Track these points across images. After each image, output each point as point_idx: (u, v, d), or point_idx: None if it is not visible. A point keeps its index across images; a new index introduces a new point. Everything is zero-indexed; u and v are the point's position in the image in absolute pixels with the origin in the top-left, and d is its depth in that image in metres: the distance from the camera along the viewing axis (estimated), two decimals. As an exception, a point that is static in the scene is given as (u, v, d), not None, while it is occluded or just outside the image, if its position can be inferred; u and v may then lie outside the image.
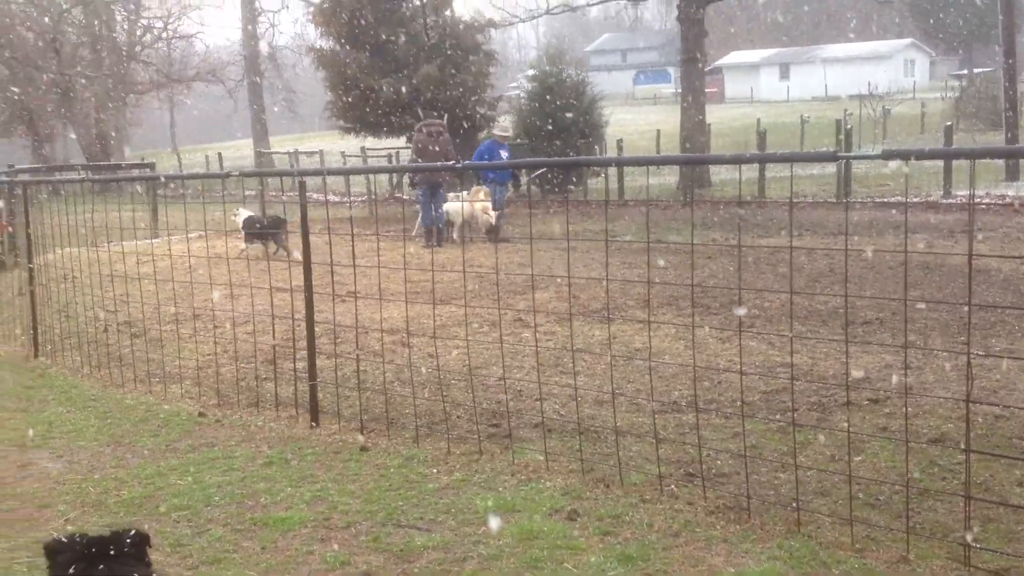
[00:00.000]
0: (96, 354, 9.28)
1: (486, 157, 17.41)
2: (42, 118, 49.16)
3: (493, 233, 16.71)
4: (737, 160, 5.16)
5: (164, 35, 54.36)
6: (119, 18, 51.75)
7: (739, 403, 6.59)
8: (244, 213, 15.86)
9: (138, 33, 52.84)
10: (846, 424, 6.12)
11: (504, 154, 17.60)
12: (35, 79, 46.51)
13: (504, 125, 19.23)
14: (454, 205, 17.80)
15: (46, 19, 47.18)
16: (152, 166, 26.24)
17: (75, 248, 10.44)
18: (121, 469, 6.29)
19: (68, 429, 7.27)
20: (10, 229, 15.45)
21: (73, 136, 50.14)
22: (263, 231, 15.21)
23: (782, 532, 4.88)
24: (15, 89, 45.46)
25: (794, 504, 5.09)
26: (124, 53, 50.54)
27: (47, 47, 45.83)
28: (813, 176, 25.68)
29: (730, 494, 5.36)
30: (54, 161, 45.79)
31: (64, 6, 47.39)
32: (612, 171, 25.95)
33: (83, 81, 47.08)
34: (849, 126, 25.65)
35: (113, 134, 47.27)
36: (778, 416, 6.62)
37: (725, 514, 5.13)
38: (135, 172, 26.78)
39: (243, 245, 15.11)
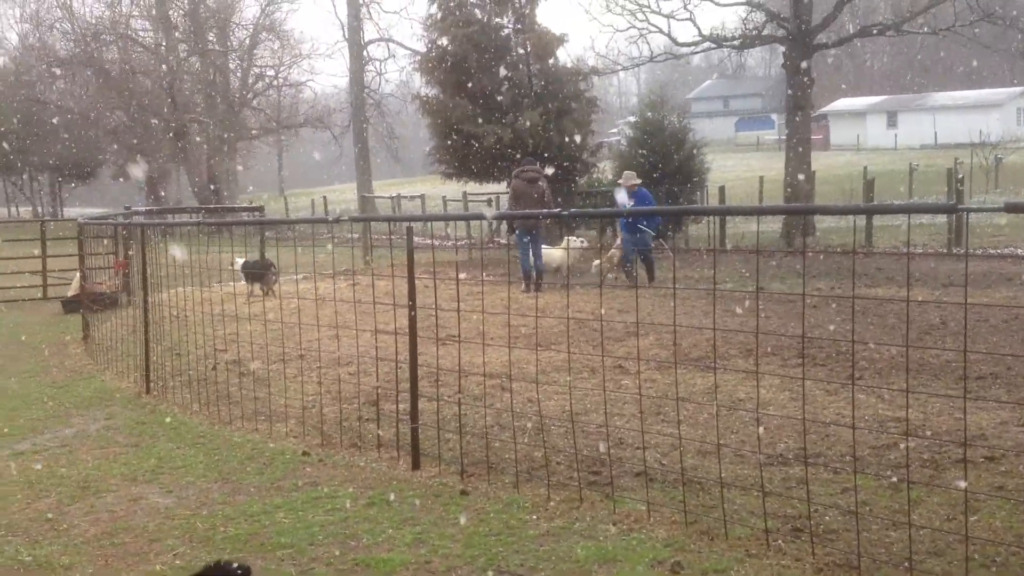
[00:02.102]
0: (204, 391, 9.51)
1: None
2: (157, 161, 51.04)
3: (631, 277, 16.95)
4: (854, 211, 5.07)
5: (275, 83, 56.02)
6: (232, 66, 53.58)
7: (848, 457, 6.42)
8: (239, 261, 16.65)
9: (250, 81, 54.57)
10: (961, 482, 5.90)
11: (630, 203, 17.65)
12: (151, 125, 48.39)
13: (628, 175, 19.16)
14: (551, 252, 17.90)
15: (163, 67, 49.15)
16: (261, 209, 26.96)
17: (186, 287, 10.77)
18: (228, 506, 6.41)
19: (177, 465, 7.44)
20: (125, 270, 15.99)
21: (186, 179, 51.89)
22: (256, 272, 16.55)
23: (895, 593, 4.72)
24: (133, 134, 47.37)
25: (907, 564, 4.92)
26: (236, 100, 52.23)
27: (164, 94, 47.66)
28: (923, 225, 25.05)
29: (839, 551, 5.20)
30: (167, 203, 47.46)
31: (182, 55, 49.32)
32: (713, 217, 25.73)
33: (196, 126, 48.79)
34: (960, 175, 24.95)
35: (224, 178, 48.73)
36: (889, 472, 6.42)
37: (834, 572, 4.98)
38: (245, 215, 27.53)
39: (245, 285, 16.50)
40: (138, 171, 47.88)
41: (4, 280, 19.96)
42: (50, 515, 6.35)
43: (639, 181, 18.56)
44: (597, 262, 17.48)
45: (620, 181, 19.67)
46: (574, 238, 18.78)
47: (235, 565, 2.98)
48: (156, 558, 5.54)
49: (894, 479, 6.20)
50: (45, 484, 7.02)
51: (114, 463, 7.55)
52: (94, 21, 49.82)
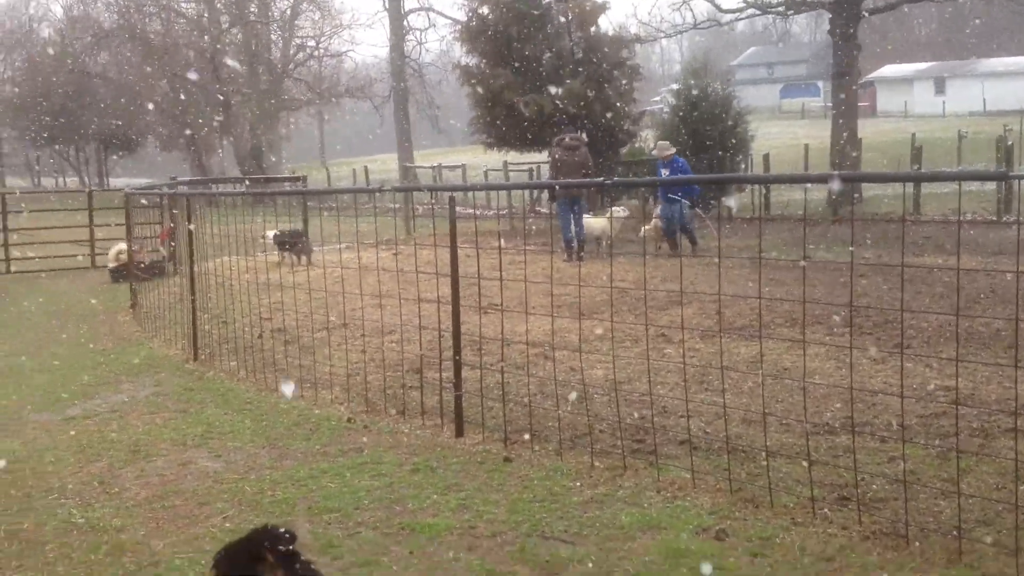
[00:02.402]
0: (251, 359, 9.61)
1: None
2: (200, 132, 51.43)
3: (675, 246, 16.87)
4: (902, 178, 4.99)
5: (316, 53, 56.11)
6: (274, 37, 53.73)
7: (896, 426, 6.36)
8: (271, 232, 16.69)
9: (291, 51, 54.70)
10: (1011, 451, 5.83)
11: (665, 172, 17.53)
12: (195, 96, 48.73)
13: (662, 145, 19.01)
14: (592, 220, 17.85)
15: (206, 38, 49.39)
16: (303, 179, 27.09)
17: (231, 257, 10.87)
18: (275, 470, 6.49)
19: (225, 430, 7.54)
20: (172, 244, 16.16)
21: (229, 149, 52.25)
22: (288, 242, 16.63)
23: (942, 561, 4.68)
24: (177, 105, 47.74)
25: (955, 532, 4.88)
26: (278, 71, 52.41)
27: (206, 65, 47.91)
28: (971, 193, 24.65)
29: (887, 520, 5.17)
30: (211, 173, 47.84)
31: (224, 26, 49.51)
32: (757, 186, 25.50)
33: (239, 98, 49.06)
34: (1010, 142, 24.47)
35: (266, 148, 49.02)
36: (937, 441, 6.35)
37: (882, 540, 4.95)
38: (288, 186, 27.69)
39: (276, 255, 16.58)
40: (182, 142, 48.33)
41: (53, 249, 20.26)
42: (102, 478, 6.46)
43: (674, 150, 18.43)
44: (646, 227, 17.43)
45: (655, 152, 19.55)
46: (617, 208, 18.66)
47: (282, 529, 3.01)
48: (205, 521, 5.63)
49: (942, 448, 6.14)
50: (96, 448, 7.14)
51: (163, 428, 7.66)
52: (137, -7, 50.11)
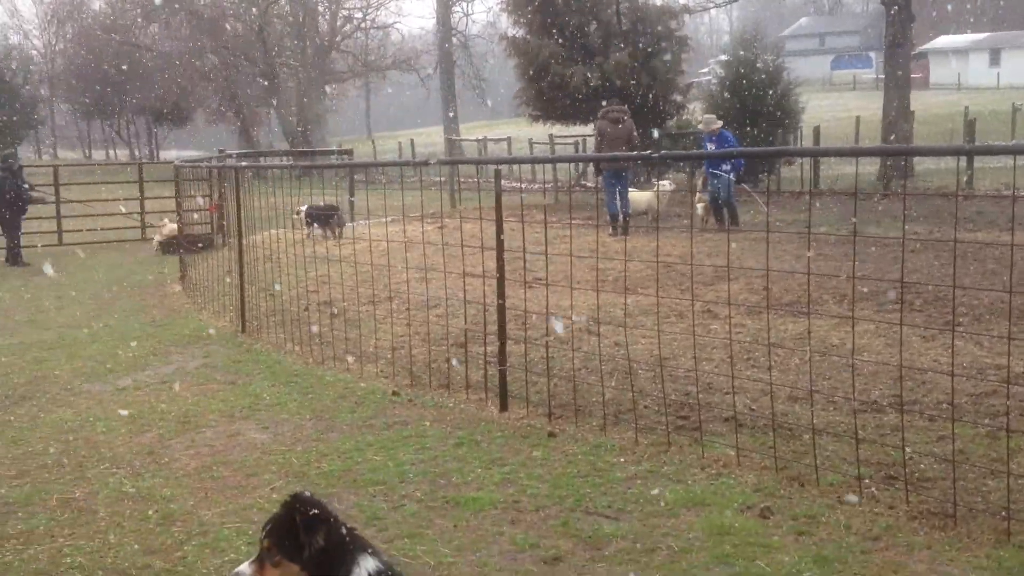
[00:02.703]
0: (298, 332, 9.69)
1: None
2: (248, 105, 51.76)
3: (721, 220, 16.80)
4: (955, 152, 4.89)
5: (363, 25, 56.16)
6: (321, 9, 53.82)
7: (945, 405, 6.28)
8: (303, 207, 16.70)
9: (338, 23, 54.78)
10: (1064, 432, 5.74)
11: (711, 146, 17.38)
12: (243, 68, 49.02)
13: (708, 118, 18.83)
14: (637, 194, 17.76)
15: (253, 11, 49.59)
16: (350, 152, 27.21)
17: (278, 230, 10.95)
18: (321, 442, 6.56)
19: (272, 402, 7.63)
20: (219, 209, 16.33)
21: (276, 122, 52.55)
22: (321, 216, 16.78)
23: (991, 542, 4.63)
24: (225, 77, 48.05)
25: (1004, 513, 4.81)
26: (325, 43, 52.53)
27: (254, 37, 48.15)
28: (1026, 167, 24.14)
29: (934, 499, 5.11)
30: (259, 146, 48.19)
31: (271, -2, 49.68)
32: (807, 159, 25.18)
33: (286, 70, 49.27)
34: (1068, 114, 23.93)
35: (313, 121, 49.23)
36: (987, 420, 6.26)
37: (929, 520, 4.90)
38: (334, 159, 27.83)
39: (306, 229, 16.60)
40: (230, 115, 48.66)
41: (104, 221, 20.55)
42: (152, 449, 6.57)
43: (720, 124, 18.25)
44: (699, 202, 17.34)
45: (701, 126, 19.34)
46: (664, 181, 18.53)
47: (309, 494, 3.03)
48: (253, 491, 5.70)
49: (992, 427, 6.06)
50: (147, 419, 7.26)
51: (212, 399, 7.77)
52: (186, -35, 50.38)
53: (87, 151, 72.71)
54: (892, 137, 25.58)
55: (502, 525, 5.12)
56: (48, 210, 20.09)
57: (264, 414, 7.32)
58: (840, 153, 7.84)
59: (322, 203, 16.55)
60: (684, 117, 28.03)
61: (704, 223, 17.38)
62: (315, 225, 16.96)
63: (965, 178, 22.15)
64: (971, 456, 5.68)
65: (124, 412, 7.42)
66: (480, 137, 37.61)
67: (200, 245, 15.11)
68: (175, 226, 18.65)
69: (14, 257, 17.58)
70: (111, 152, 69.94)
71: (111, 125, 65.46)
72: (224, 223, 14.92)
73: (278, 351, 9.46)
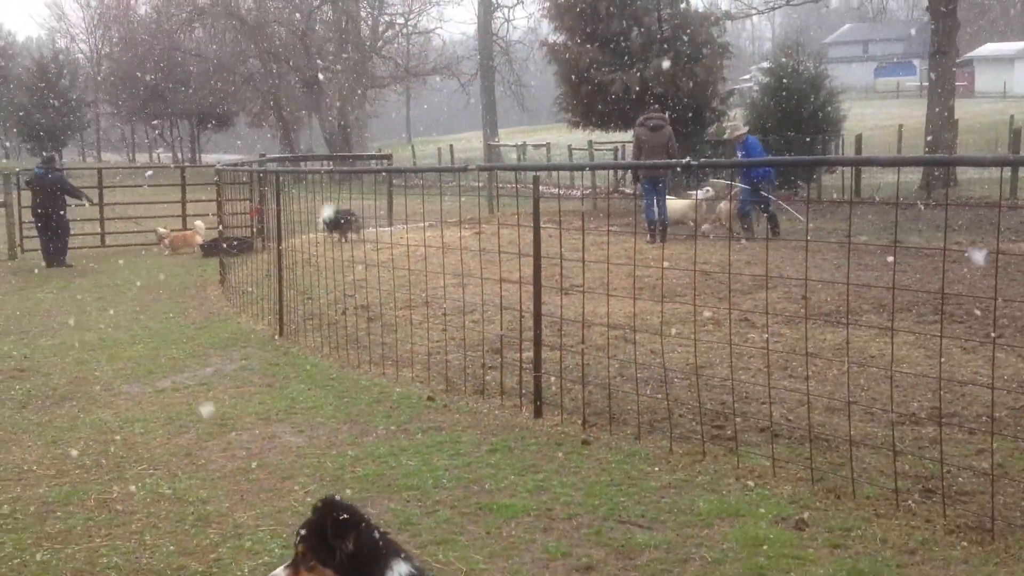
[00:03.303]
0: (334, 336, 9.75)
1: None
2: (290, 109, 52.18)
3: (748, 230, 16.69)
4: (999, 162, 4.83)
5: (404, 30, 56.43)
6: (363, 14, 54.14)
7: (985, 418, 6.19)
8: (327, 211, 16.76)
9: (380, 29, 55.08)
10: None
11: (739, 154, 17.29)
12: (285, 73, 49.45)
13: (732, 125, 18.77)
14: (674, 202, 17.66)
15: (297, 16, 50.02)
16: (389, 157, 27.34)
17: (317, 234, 11.01)
18: (356, 447, 6.59)
19: (308, 406, 7.67)
20: (259, 213, 16.46)
21: (317, 126, 52.92)
22: (343, 219, 16.37)
23: (1031, 559, 4.55)
24: (267, 81, 48.48)
25: (1045, 530, 4.74)
26: (367, 48, 52.84)
27: (297, 42, 48.55)
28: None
29: (972, 513, 5.04)
30: (299, 150, 48.57)
31: (315, 3, 50.07)
32: (848, 168, 24.96)
33: (328, 74, 49.61)
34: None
35: (353, 126, 49.52)
36: (1029, 435, 6.17)
37: (967, 534, 4.83)
38: (374, 164, 27.97)
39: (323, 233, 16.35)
40: (272, 119, 49.07)
41: (147, 224, 20.79)
42: (189, 450, 6.63)
43: (746, 130, 18.17)
44: (706, 226, 17.23)
45: (727, 135, 19.22)
46: (705, 189, 18.38)
47: (338, 498, 3.05)
48: (288, 495, 5.74)
49: (1034, 443, 5.96)
50: (184, 420, 7.33)
51: (249, 402, 7.83)
52: (231, -30, 50.92)
53: (131, 154, 73.67)
54: (929, 140, 25.27)
55: (535, 533, 5.12)
56: (91, 212, 20.35)
57: (300, 417, 7.37)
58: (876, 163, 7.77)
59: (340, 208, 16.57)
60: (724, 124, 27.89)
61: (722, 230, 17.18)
62: (331, 231, 16.97)
63: (1009, 188, 21.86)
64: (1010, 470, 5.59)
65: (162, 413, 7.50)
66: (519, 142, 37.63)
67: (241, 248, 15.20)
68: (201, 225, 19.06)
69: (50, 258, 17.77)
70: (154, 155, 70.82)
71: (155, 128, 66.28)
72: (263, 226, 15.03)
73: (315, 355, 9.52)
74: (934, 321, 8.94)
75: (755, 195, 16.94)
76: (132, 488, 5.92)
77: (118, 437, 6.98)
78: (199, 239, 19.33)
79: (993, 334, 7.38)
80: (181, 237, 19.94)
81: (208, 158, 57.82)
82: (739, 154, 17.32)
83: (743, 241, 15.78)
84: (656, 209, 16.87)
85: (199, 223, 19.85)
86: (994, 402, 5.95)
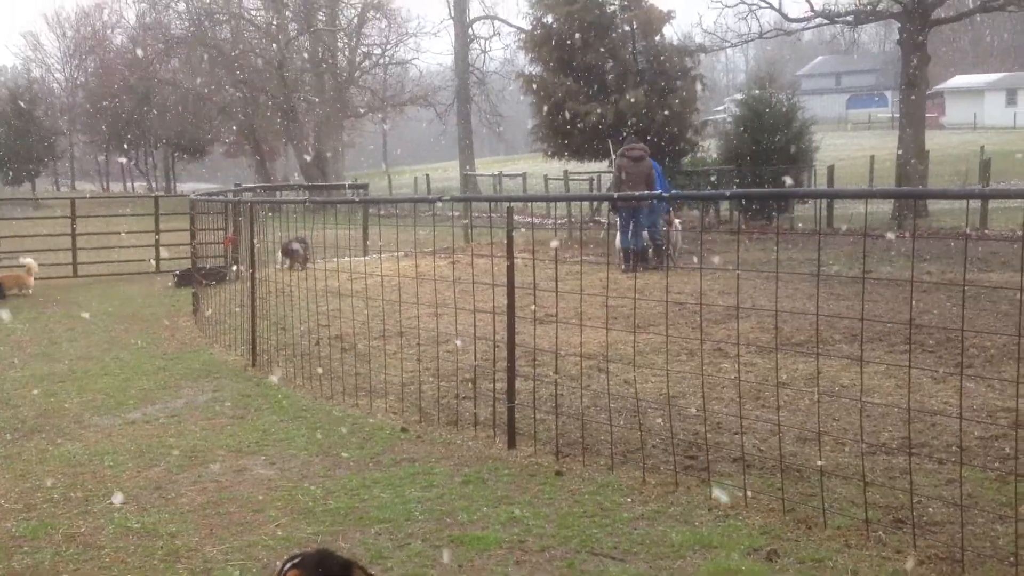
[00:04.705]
0: (308, 366, 9.71)
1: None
2: (266, 139, 52.17)
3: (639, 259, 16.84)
4: (966, 195, 4.90)
5: (382, 61, 56.63)
6: (340, 45, 54.33)
7: (955, 448, 6.24)
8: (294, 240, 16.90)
9: (357, 59, 55.27)
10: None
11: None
12: (261, 102, 49.46)
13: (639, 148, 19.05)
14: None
15: (274, 46, 50.11)
16: (365, 187, 27.38)
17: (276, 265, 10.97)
18: (328, 479, 6.55)
19: (280, 438, 7.63)
20: (233, 243, 16.42)
21: (293, 156, 52.92)
22: (288, 248, 16.69)
23: (1000, 590, 4.58)
24: (243, 111, 48.49)
25: (1012, 558, 4.77)
26: (344, 78, 52.98)
27: (274, 72, 48.60)
28: (1042, 208, 24.10)
29: (942, 544, 5.06)
30: (275, 179, 48.51)
31: (292, 34, 50.20)
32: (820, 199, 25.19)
33: (305, 104, 49.67)
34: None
35: (330, 155, 49.56)
36: (997, 464, 6.22)
37: (937, 565, 4.85)
38: (350, 193, 27.99)
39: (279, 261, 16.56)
40: (248, 148, 49.04)
41: (119, 254, 20.68)
42: (159, 483, 6.57)
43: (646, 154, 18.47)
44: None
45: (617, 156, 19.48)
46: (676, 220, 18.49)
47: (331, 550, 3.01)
48: (259, 528, 5.69)
49: (1001, 471, 6.01)
50: (155, 453, 7.27)
51: (220, 434, 7.77)
52: (208, 1, 51.04)
53: (105, 183, 73.36)
54: (905, 174, 25.57)
55: (507, 565, 5.10)
56: (64, 242, 20.23)
57: (272, 449, 7.32)
58: (843, 195, 7.86)
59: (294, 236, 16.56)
60: (699, 154, 28.13)
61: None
62: (285, 258, 16.99)
63: (979, 218, 22.12)
64: (980, 500, 5.63)
65: (132, 446, 7.43)
66: (496, 172, 37.77)
67: (214, 278, 15.13)
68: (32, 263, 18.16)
69: None
70: (128, 185, 70.55)
71: (129, 158, 66.06)
72: (237, 256, 15.00)
73: (288, 386, 9.47)
74: (904, 351, 9.01)
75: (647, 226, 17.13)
76: (101, 522, 5.86)
77: (87, 470, 6.91)
78: (31, 280, 17.97)
79: (962, 364, 7.45)
80: (12, 277, 18.01)
81: (183, 187, 57.66)
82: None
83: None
84: (632, 239, 16.96)
85: (30, 260, 18.35)
86: (963, 432, 6.00)
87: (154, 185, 65.42)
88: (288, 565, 2.90)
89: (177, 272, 18.61)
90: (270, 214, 12.23)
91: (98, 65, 65.05)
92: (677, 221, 18.41)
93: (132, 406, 8.85)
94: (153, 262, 21.05)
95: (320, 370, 9.42)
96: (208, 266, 15.74)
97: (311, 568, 2.88)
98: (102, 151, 68.26)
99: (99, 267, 20.38)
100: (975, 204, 22.31)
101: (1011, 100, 71.01)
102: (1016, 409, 5.89)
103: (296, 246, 16.83)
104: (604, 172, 28.76)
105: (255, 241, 10.96)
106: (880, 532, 5.26)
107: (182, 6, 51.64)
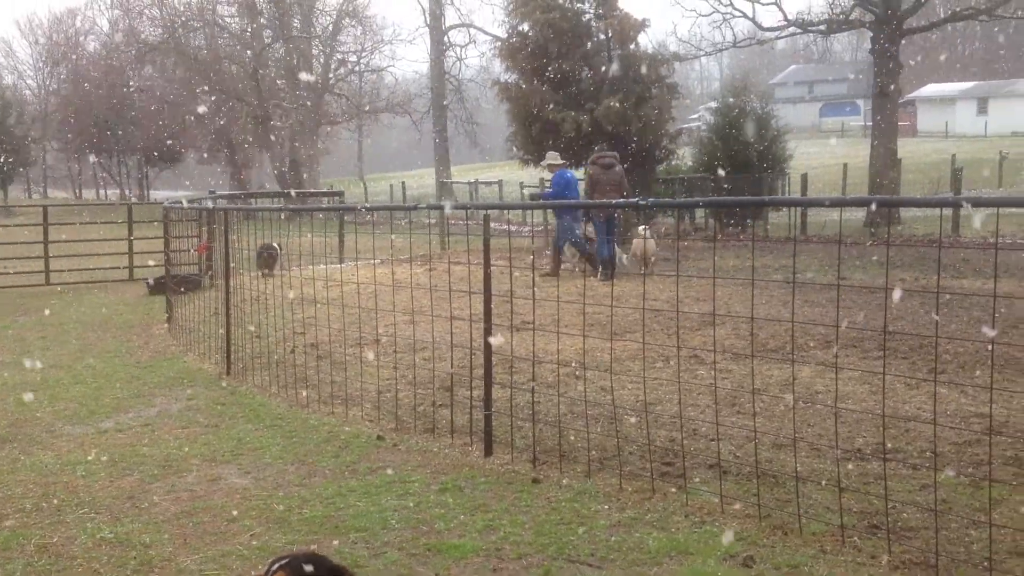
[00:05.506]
0: (283, 374, 9.66)
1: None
2: (241, 146, 51.97)
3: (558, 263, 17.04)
4: (938, 203, 4.94)
5: (357, 68, 56.59)
6: (315, 52, 54.24)
7: (929, 453, 6.27)
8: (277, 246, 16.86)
9: (332, 66, 55.20)
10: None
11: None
12: (236, 110, 49.29)
13: (550, 155, 19.27)
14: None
15: (248, 53, 49.97)
16: (341, 194, 27.31)
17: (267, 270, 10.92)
18: (304, 488, 6.51)
19: (255, 446, 7.57)
20: (207, 250, 16.32)
21: (268, 163, 52.75)
22: (259, 255, 16.36)
23: (974, 594, 4.60)
24: (218, 119, 48.28)
25: (986, 563, 4.79)
26: (318, 85, 52.88)
27: (248, 80, 48.46)
28: (1013, 215, 24.34)
29: (917, 549, 5.09)
30: (250, 186, 48.31)
31: (266, 41, 50.06)
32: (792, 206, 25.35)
33: (279, 112, 49.54)
34: (1053, 163, 24.18)
35: (305, 162, 49.43)
36: (971, 469, 6.26)
37: (911, 570, 4.87)
38: (325, 200, 27.93)
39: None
40: (222, 155, 48.81)
41: (92, 261, 20.52)
42: (132, 493, 6.50)
43: (562, 162, 18.64)
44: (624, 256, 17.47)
45: (543, 163, 19.70)
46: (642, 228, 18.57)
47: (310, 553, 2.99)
48: (233, 538, 5.65)
49: (975, 477, 6.05)
50: (128, 462, 7.20)
51: (194, 443, 7.71)
52: (182, 8, 50.87)
53: (77, 191, 72.80)
54: (878, 180, 25.79)
55: (484, 573, 5.08)
56: (36, 250, 20.05)
57: (246, 458, 7.27)
58: (813, 203, 7.90)
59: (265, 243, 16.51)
60: (674, 162, 28.23)
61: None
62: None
63: (951, 226, 22.32)
64: (954, 506, 5.66)
65: (105, 455, 7.36)
66: (472, 180, 37.78)
67: (188, 286, 15.03)
68: None
69: None
70: (102, 192, 70.04)
71: (102, 165, 65.60)
72: (211, 263, 14.91)
73: (263, 394, 9.42)
74: (878, 357, 9.07)
75: (570, 233, 17.21)
76: (74, 532, 5.79)
77: (59, 480, 6.84)
78: None
79: (935, 370, 7.50)
80: None
81: (157, 194, 57.29)
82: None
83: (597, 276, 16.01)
84: (608, 247, 17.02)
85: None
86: (937, 438, 6.04)
87: (127, 192, 64.98)
88: (276, 566, 2.87)
89: (150, 280, 18.47)
90: (246, 221, 12.16)
91: (71, 72, 64.56)
92: (643, 228, 18.42)
93: (105, 415, 8.77)
94: (127, 270, 20.94)
95: (300, 371, 9.37)
96: (182, 273, 15.64)
97: (299, 570, 2.86)
98: (75, 158, 67.75)
99: (72, 275, 20.21)
100: (947, 212, 22.52)
101: (982, 109, 71.74)
102: (990, 414, 5.93)
103: (271, 251, 16.77)
104: (580, 180, 28.79)
105: (230, 249, 10.89)
106: (855, 538, 5.28)
107: (156, 13, 51.44)
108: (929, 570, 4.84)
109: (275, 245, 16.84)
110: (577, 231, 17.36)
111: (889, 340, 10.07)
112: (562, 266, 17.43)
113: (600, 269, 16.83)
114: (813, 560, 5.05)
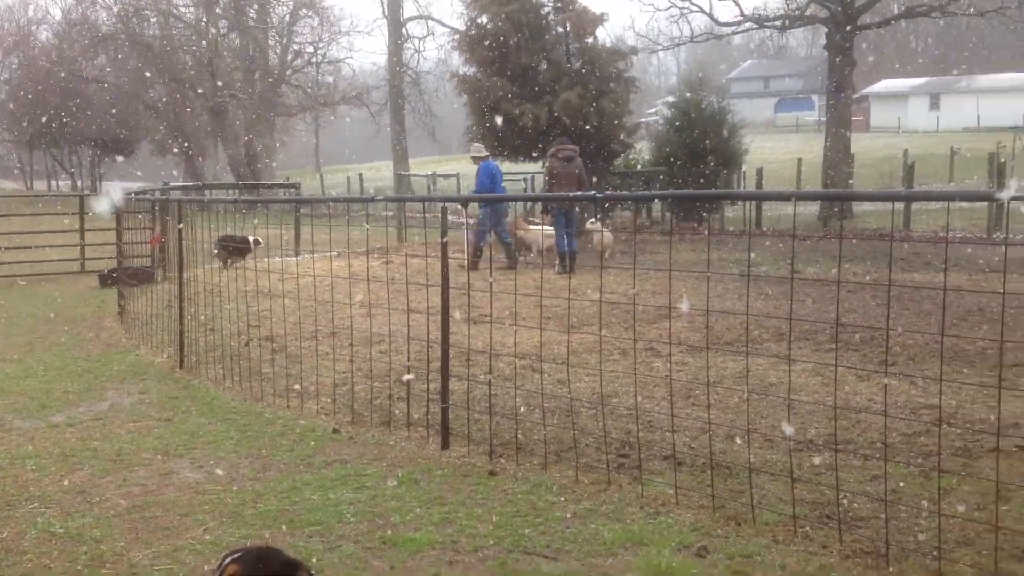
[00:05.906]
0: (237, 368, 9.58)
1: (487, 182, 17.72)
2: (195, 137, 51.41)
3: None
4: (891, 197, 5.00)
5: (314, 59, 56.15)
6: (272, 43, 53.74)
7: (879, 444, 6.35)
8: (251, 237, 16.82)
9: (289, 57, 54.73)
10: (993, 471, 5.83)
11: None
12: (191, 100, 48.73)
13: (475, 147, 19.39)
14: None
15: (203, 43, 49.40)
16: (297, 186, 27.11)
17: (221, 263, 10.82)
18: (258, 482, 6.47)
19: (208, 440, 7.51)
20: (160, 243, 16.13)
21: (223, 154, 52.23)
22: (233, 247, 16.39)
23: (923, 583, 4.68)
24: (172, 109, 47.73)
25: (935, 552, 4.87)
26: (275, 76, 52.42)
27: (203, 70, 47.91)
28: (963, 209, 24.72)
29: (867, 538, 5.16)
30: (205, 178, 47.83)
31: (222, 31, 49.52)
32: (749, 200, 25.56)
33: (235, 103, 49.04)
34: (1003, 159, 24.54)
35: (261, 153, 49.00)
36: (920, 460, 6.36)
37: (862, 559, 4.94)
38: (281, 192, 27.70)
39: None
40: (176, 147, 48.28)
41: (42, 253, 20.21)
42: (83, 488, 6.42)
43: (486, 154, 18.74)
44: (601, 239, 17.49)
45: (470, 153, 19.84)
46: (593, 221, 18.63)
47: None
48: (186, 533, 5.60)
49: (925, 467, 6.14)
50: (79, 457, 7.11)
51: (147, 437, 7.63)
52: (136, -4, 50.14)
53: (28, 182, 71.60)
54: (831, 173, 26.08)
55: (440, 566, 5.08)
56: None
57: (200, 452, 7.21)
58: (776, 197, 7.97)
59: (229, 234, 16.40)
60: (631, 157, 28.33)
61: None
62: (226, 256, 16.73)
63: (902, 220, 22.63)
64: (904, 496, 5.75)
65: (56, 449, 7.26)
66: (429, 172, 37.65)
67: (140, 278, 14.84)
68: None
69: None
70: (53, 183, 68.93)
71: (54, 156, 64.58)
72: (164, 256, 14.74)
73: (217, 387, 9.33)
74: (830, 349, 9.17)
75: (492, 224, 17.32)
76: (23, 527, 5.71)
77: (9, 474, 6.73)
78: None
79: (887, 362, 7.61)
80: None
81: (110, 186, 56.48)
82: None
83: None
84: (566, 240, 17.05)
85: None
86: (887, 429, 6.12)
87: (79, 184, 64.02)
88: (228, 560, 2.83)
89: (102, 272, 18.23)
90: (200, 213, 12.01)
91: (22, 61, 63.43)
92: (592, 220, 18.45)
93: (56, 409, 8.64)
94: (78, 262, 20.64)
95: (255, 365, 9.30)
96: (135, 266, 15.45)
97: (251, 564, 2.82)
98: (26, 149, 66.60)
99: (22, 267, 19.86)
100: (899, 207, 22.81)
101: (934, 104, 72.77)
102: (939, 406, 6.02)
103: (242, 244, 16.60)
104: (538, 173, 28.81)
105: (183, 240, 10.78)
106: (807, 528, 5.34)
107: (109, 1, 50.70)
108: (879, 559, 4.91)
109: (249, 238, 16.70)
110: (499, 224, 17.42)
111: (841, 332, 10.19)
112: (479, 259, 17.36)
113: (558, 263, 16.87)
114: (765, 550, 5.10)
